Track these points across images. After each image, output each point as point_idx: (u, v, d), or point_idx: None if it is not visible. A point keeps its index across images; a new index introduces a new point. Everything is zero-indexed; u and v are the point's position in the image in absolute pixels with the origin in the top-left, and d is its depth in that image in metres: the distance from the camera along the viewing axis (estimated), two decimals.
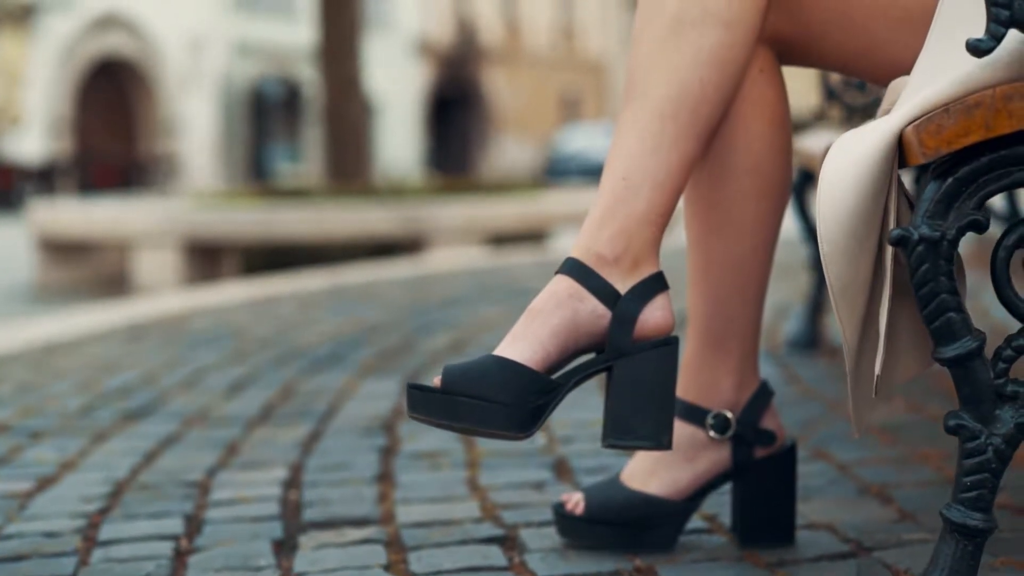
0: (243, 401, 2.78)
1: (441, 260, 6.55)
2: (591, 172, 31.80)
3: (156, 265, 8.12)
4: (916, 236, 1.23)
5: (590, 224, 1.45)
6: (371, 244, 7.97)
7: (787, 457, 1.60)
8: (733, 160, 1.55)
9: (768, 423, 1.59)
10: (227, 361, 3.36)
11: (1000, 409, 1.26)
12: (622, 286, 1.43)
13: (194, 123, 33.39)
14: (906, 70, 1.40)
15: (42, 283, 9.68)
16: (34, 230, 10.05)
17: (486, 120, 43.68)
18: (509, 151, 43.80)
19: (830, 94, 3.02)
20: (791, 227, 3.14)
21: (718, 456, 1.58)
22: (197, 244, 8.10)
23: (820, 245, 1.28)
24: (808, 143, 2.96)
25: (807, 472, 1.91)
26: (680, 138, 1.44)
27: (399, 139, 40.45)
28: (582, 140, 33.13)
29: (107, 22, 31.43)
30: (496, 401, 1.36)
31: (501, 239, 7.96)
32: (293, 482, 2.04)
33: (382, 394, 2.78)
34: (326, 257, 8.13)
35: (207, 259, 8.17)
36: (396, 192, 8.91)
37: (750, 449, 1.58)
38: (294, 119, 35.80)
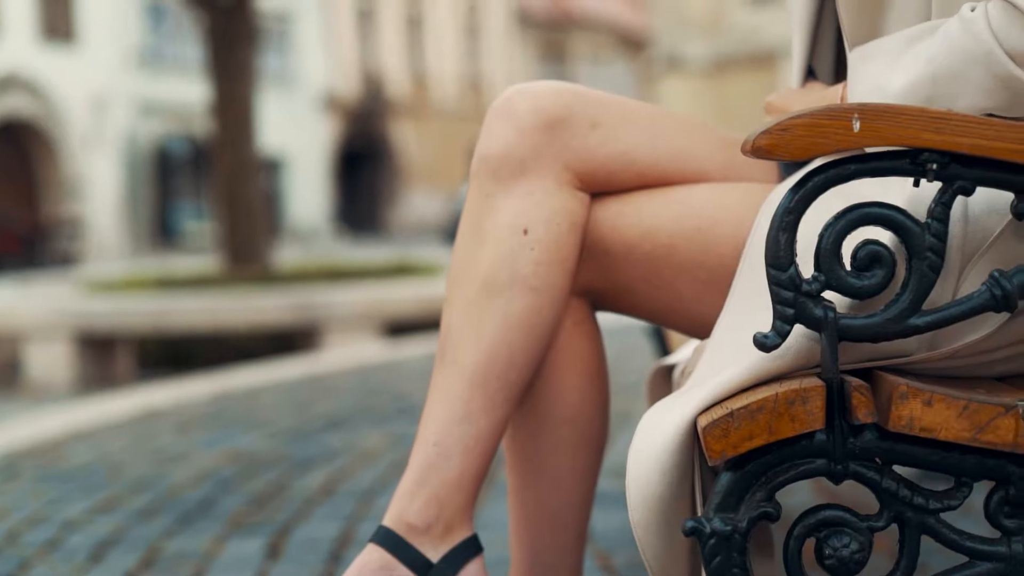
0: (103, 571, 2.74)
1: (333, 358, 6.52)
2: None
3: (48, 358, 8.00)
4: (708, 529, 1.25)
5: (402, 492, 1.45)
6: (267, 335, 7.92)
7: None
8: (549, 411, 1.56)
9: None
10: (96, 511, 3.31)
11: None
12: (435, 554, 1.43)
13: (98, 184, 33.06)
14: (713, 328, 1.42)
15: None
16: None
17: (394, 173, 43.72)
18: (418, 203, 43.85)
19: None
20: None
21: None
22: (90, 336, 7.99)
23: (633, 528, 1.29)
24: None
25: None
26: (490, 404, 1.45)
27: (307, 194, 40.34)
28: None
29: (7, 83, 31.05)
30: None
31: (399, 326, 7.94)
32: None
33: (244, 559, 2.76)
34: (222, 349, 8.06)
35: (101, 352, 8.07)
36: (293, 278, 8.86)
37: None
38: (200, 177, 35.57)
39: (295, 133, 39.14)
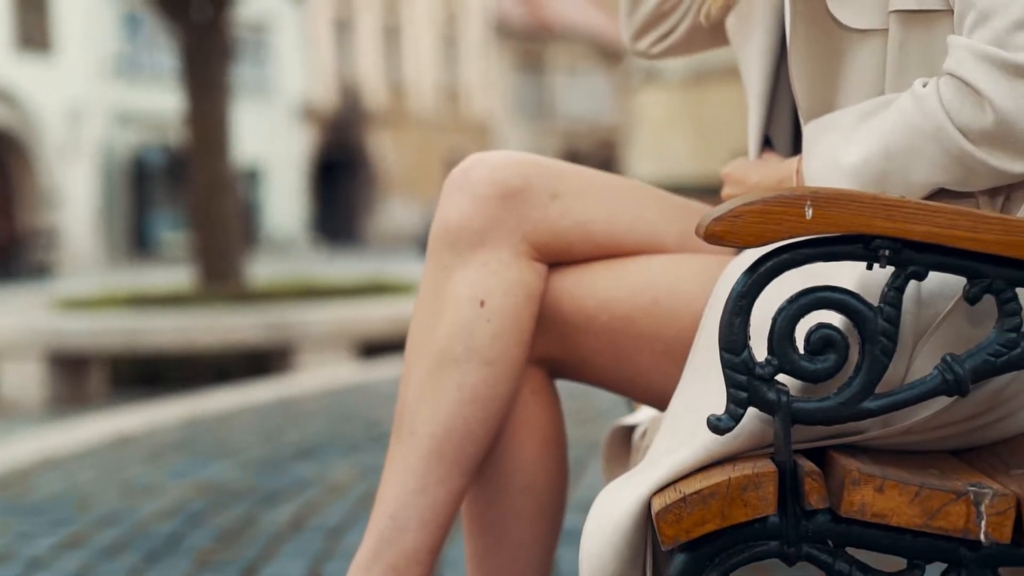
0: None
1: (304, 381, 6.52)
2: None
3: (20, 377, 7.96)
4: None
5: (358, 564, 1.45)
6: (240, 355, 7.90)
7: None
8: (507, 480, 1.56)
9: None
10: (64, 547, 3.29)
11: None
12: None
13: (74, 194, 32.95)
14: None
15: None
16: None
17: (372, 183, 43.70)
18: (396, 213, 43.84)
19: None
20: None
21: None
22: (62, 355, 7.96)
23: None
24: None
25: None
26: (447, 476, 1.45)
27: (284, 203, 40.28)
28: None
29: None
30: None
31: (373, 345, 7.93)
32: None
33: None
34: (195, 367, 8.04)
35: (74, 371, 8.03)
36: (266, 296, 8.84)
37: None
38: (177, 186, 35.46)
39: (272, 143, 39.09)
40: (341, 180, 43.46)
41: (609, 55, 51.24)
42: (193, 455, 4.53)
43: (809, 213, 1.21)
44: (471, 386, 1.46)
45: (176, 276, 10.69)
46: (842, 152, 1.39)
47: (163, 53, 33.72)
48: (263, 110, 38.36)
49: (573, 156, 51.45)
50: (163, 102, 33.23)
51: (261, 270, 16.18)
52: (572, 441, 1.70)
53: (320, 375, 6.82)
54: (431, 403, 1.46)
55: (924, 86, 1.35)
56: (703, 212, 1.63)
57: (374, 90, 43.90)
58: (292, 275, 10.82)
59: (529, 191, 1.50)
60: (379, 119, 43.59)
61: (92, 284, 17.68)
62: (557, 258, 1.52)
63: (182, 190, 34.24)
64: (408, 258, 30.08)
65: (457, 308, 1.48)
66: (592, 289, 1.50)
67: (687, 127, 32.29)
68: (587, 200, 1.52)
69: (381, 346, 8.02)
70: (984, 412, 1.36)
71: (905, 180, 1.36)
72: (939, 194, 1.39)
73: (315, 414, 5.35)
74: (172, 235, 34.54)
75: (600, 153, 50.84)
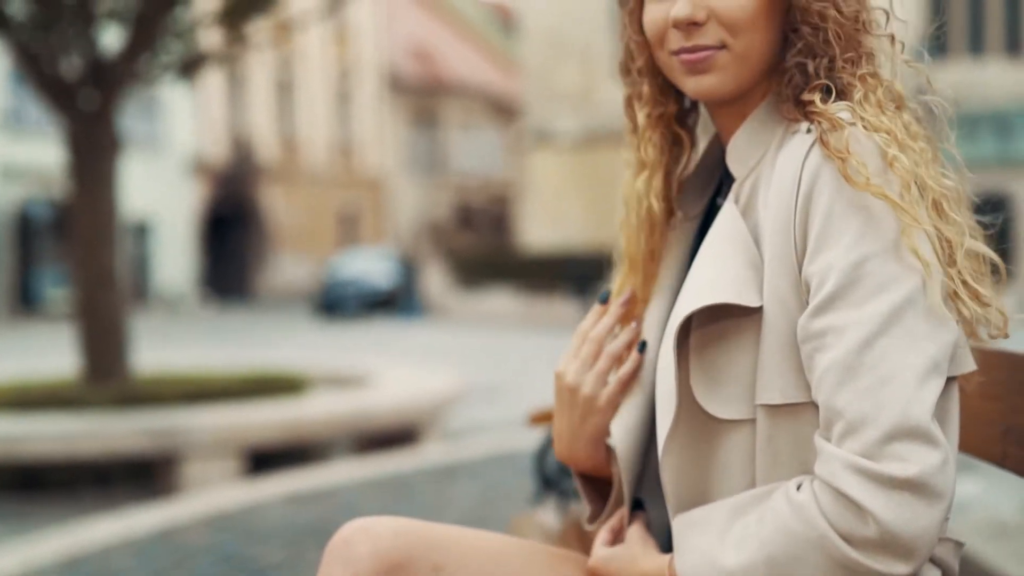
0: None
1: (190, 505, 6.38)
2: (368, 299, 31.78)
3: None
4: None
5: None
6: (124, 463, 7.72)
7: None
8: None
9: None
10: None
11: None
12: None
13: None
14: None
15: None
16: None
17: (263, 238, 43.39)
18: (287, 269, 43.55)
19: (547, 482, 3.05)
20: None
21: None
22: None
23: None
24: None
25: None
26: None
27: (174, 259, 39.80)
28: (359, 265, 33.11)
29: None
30: None
31: (262, 455, 7.80)
32: None
33: None
34: (78, 473, 7.84)
35: None
36: (152, 396, 8.64)
37: None
38: (63, 241, 34.84)
39: (162, 197, 38.64)
40: (232, 235, 43.09)
41: (502, 111, 51.54)
42: None
43: None
44: None
45: (59, 373, 10.46)
46: (718, 554, 1.38)
47: None
48: (153, 164, 37.92)
49: (466, 210, 51.56)
50: (48, 156, 32.53)
51: (149, 341, 15.87)
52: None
53: (206, 499, 6.68)
54: None
55: (798, 488, 1.35)
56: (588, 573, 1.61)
57: (267, 145, 43.67)
58: (179, 370, 10.60)
59: (411, 566, 1.47)
60: (271, 174, 43.34)
61: None
62: None
63: (68, 245, 33.65)
64: (299, 319, 29.86)
65: None
66: None
67: (580, 192, 32.55)
68: (469, 572, 1.50)
69: (272, 452, 7.92)
70: None
71: None
72: None
73: (200, 554, 5.23)
74: (57, 291, 33.91)
75: (492, 208, 51.09)
